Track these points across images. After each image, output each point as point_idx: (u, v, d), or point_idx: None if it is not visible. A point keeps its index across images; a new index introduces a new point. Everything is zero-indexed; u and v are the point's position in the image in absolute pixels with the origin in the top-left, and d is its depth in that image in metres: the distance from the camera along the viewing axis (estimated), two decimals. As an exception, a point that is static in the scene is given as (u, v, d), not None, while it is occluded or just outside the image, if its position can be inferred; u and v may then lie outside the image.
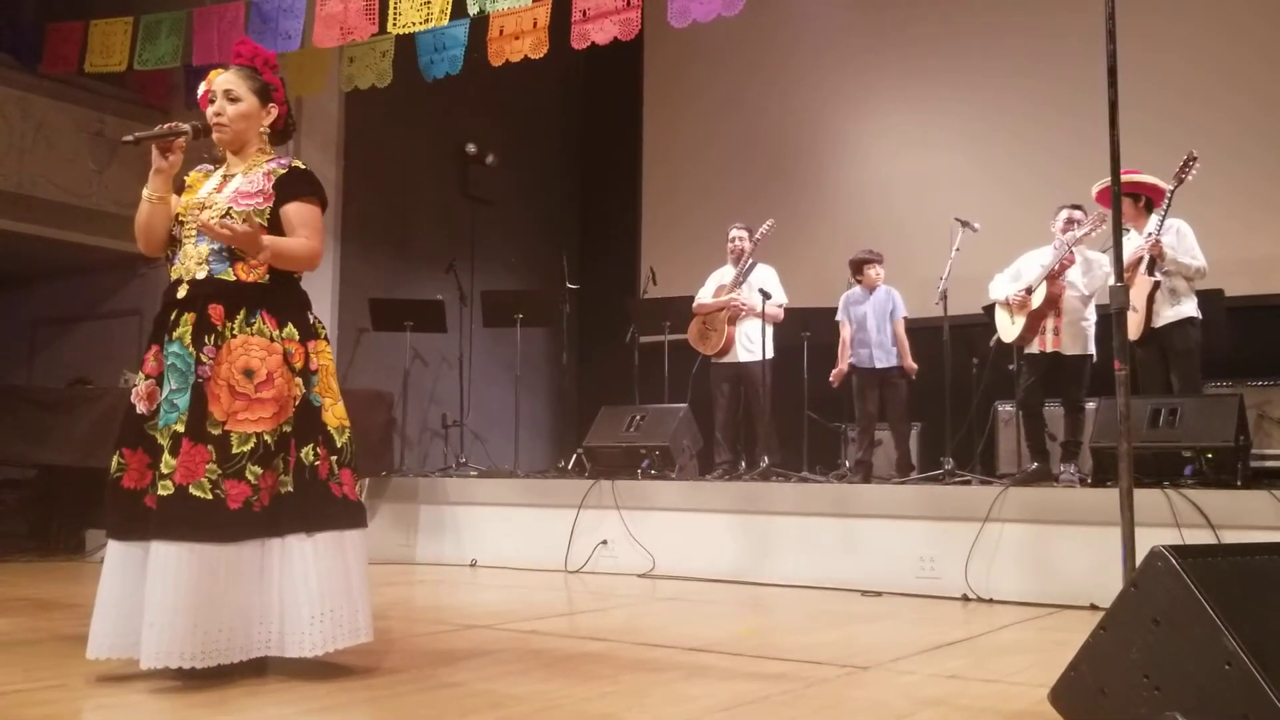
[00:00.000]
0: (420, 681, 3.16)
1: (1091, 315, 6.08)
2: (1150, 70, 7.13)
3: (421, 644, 3.86)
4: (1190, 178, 5.49)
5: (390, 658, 3.47)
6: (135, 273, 8.62)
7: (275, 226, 3.19)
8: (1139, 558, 2.27)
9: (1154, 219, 5.65)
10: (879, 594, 5.33)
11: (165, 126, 3.16)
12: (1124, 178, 5.51)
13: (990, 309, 6.40)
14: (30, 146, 7.81)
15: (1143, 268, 5.58)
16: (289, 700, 2.89)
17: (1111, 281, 2.67)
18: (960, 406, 6.66)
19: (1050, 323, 5.98)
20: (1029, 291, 5.99)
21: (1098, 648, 2.23)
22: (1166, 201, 5.55)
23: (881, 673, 3.38)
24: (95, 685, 2.99)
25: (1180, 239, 5.64)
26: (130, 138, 3.15)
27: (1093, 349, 6.08)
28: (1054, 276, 5.92)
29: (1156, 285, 5.58)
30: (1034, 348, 6.09)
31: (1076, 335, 6.03)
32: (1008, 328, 6.16)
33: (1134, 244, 5.72)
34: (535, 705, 2.87)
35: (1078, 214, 6.00)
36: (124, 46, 7.27)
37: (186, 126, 3.17)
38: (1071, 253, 5.91)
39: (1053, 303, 5.94)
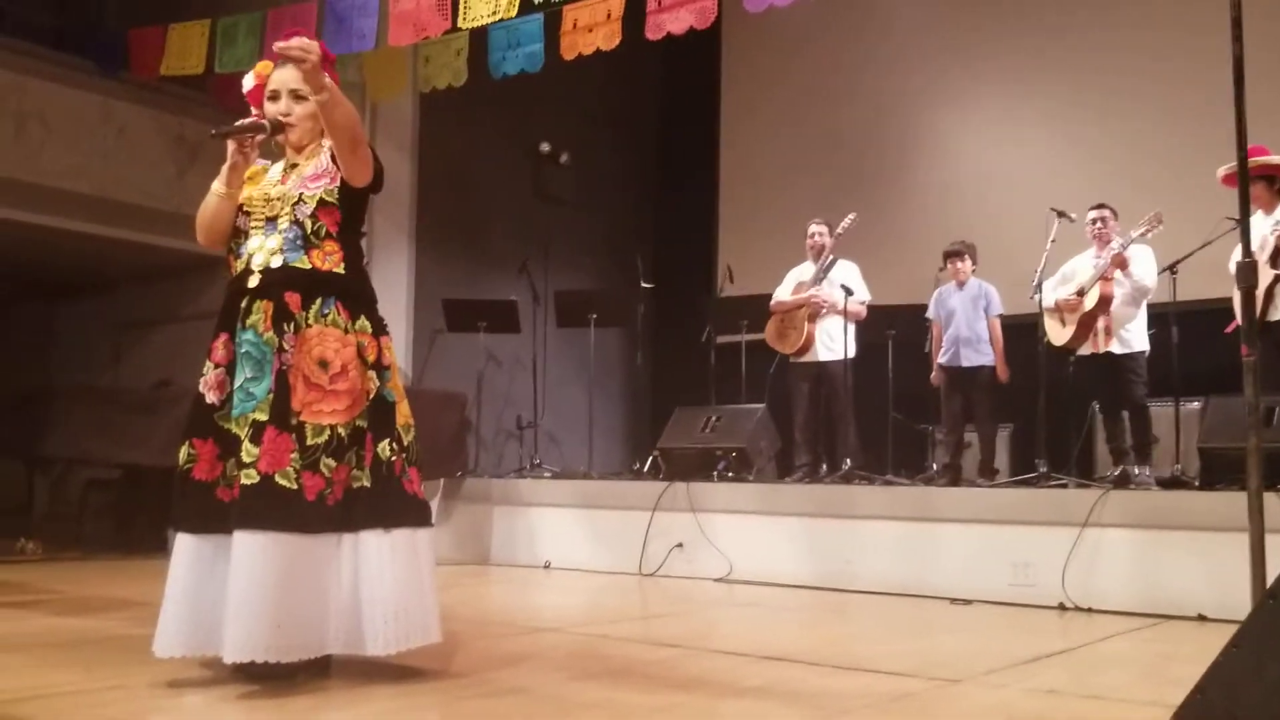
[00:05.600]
0: (485, 686, 3.06)
1: (1142, 312, 6.08)
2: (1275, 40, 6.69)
3: (490, 647, 3.76)
4: None
5: (458, 660, 3.36)
6: (216, 276, 8.68)
7: (345, 200, 3.12)
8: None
9: None
10: (969, 602, 5.08)
11: (248, 121, 3.13)
12: (1254, 159, 5.26)
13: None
14: (113, 151, 7.91)
15: (1265, 256, 5.24)
16: (351, 703, 2.81)
17: (1238, 257, 2.42)
18: (1055, 406, 6.34)
19: (1101, 323, 6.03)
20: (1081, 294, 6.05)
21: (1229, 668, 1.99)
22: None
23: (973, 686, 3.17)
24: (155, 687, 2.91)
25: None
26: (216, 131, 3.13)
27: (1146, 345, 6.08)
28: (1106, 277, 5.95)
29: (1278, 279, 5.24)
30: (1086, 350, 6.15)
31: (1127, 334, 6.04)
32: (1058, 331, 6.19)
33: (1260, 229, 5.40)
34: (601, 714, 2.73)
35: (1105, 213, 6.11)
36: (201, 50, 7.32)
37: (266, 124, 3.13)
38: (1123, 251, 5.90)
39: (1105, 304, 5.97)
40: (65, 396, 7.87)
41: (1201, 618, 4.56)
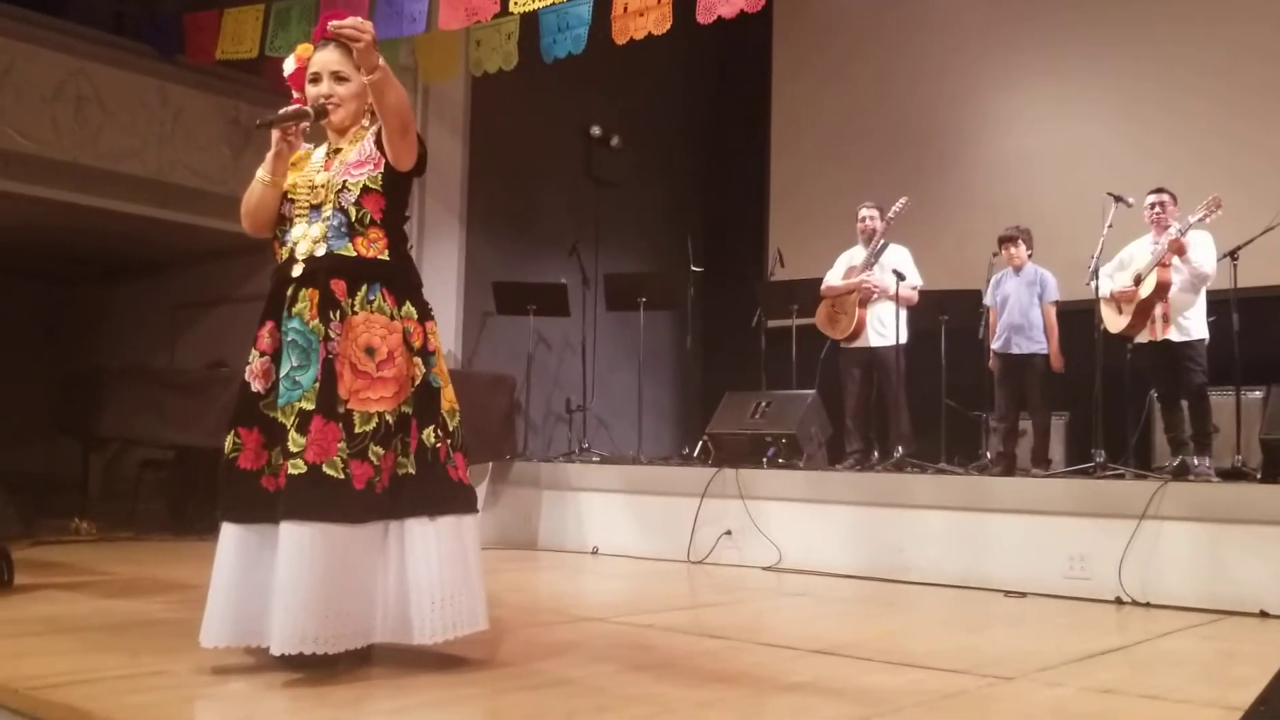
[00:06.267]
0: (528, 677, 3.03)
1: (1201, 299, 5.92)
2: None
3: (536, 635, 3.74)
4: None
5: (501, 649, 3.34)
6: (269, 257, 8.74)
7: (390, 185, 3.09)
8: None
9: None
10: (1023, 595, 4.98)
11: (291, 109, 3.10)
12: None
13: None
14: (169, 134, 7.99)
15: None
16: (394, 693, 2.80)
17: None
18: (1112, 394, 6.19)
19: (1159, 310, 5.90)
20: (1138, 281, 5.92)
21: (1295, 675, 1.91)
22: None
23: (1027, 684, 3.09)
24: (197, 674, 2.92)
25: None
26: (260, 121, 3.12)
27: (1205, 333, 5.92)
28: (1164, 263, 5.81)
29: None
30: (1143, 337, 6.02)
31: (1186, 321, 5.90)
32: (1115, 318, 6.08)
33: None
34: (644, 709, 2.69)
35: (1164, 197, 5.97)
36: (255, 34, 7.36)
37: (310, 110, 3.10)
38: (1181, 237, 5.76)
39: (1163, 290, 5.84)
40: (119, 376, 7.96)
41: (1264, 614, 4.45)
